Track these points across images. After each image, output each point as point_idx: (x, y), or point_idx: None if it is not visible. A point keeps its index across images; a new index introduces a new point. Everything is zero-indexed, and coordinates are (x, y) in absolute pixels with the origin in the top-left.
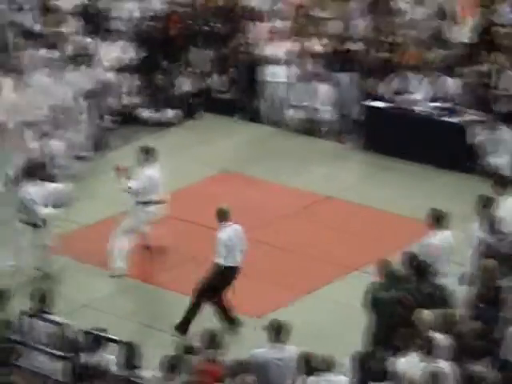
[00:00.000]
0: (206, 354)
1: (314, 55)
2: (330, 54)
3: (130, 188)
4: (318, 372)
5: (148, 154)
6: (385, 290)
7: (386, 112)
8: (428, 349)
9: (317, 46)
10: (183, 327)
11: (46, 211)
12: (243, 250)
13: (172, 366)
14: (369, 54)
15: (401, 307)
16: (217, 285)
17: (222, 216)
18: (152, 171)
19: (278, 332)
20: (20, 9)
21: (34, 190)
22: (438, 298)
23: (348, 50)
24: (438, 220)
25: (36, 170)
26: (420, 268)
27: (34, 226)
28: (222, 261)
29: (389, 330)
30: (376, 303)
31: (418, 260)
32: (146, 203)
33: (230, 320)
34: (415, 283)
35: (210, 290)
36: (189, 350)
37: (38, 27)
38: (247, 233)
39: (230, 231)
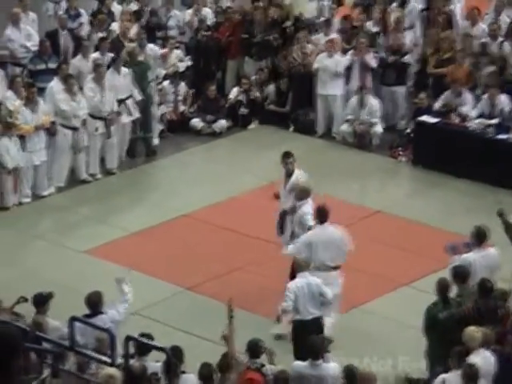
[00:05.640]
0: (250, 362)
1: (368, 68)
2: (383, 67)
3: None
4: None
5: None
6: (442, 309)
7: (438, 128)
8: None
9: (370, 58)
10: None
11: None
12: None
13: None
14: (423, 67)
15: (464, 319)
16: None
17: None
18: None
19: (314, 351)
20: (77, 15)
21: None
22: (501, 316)
23: (401, 63)
24: (479, 237)
25: None
26: (484, 284)
27: None
28: None
29: (449, 349)
30: (435, 323)
31: (483, 278)
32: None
33: None
34: (479, 299)
35: None
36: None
37: (92, 34)
38: None
39: None
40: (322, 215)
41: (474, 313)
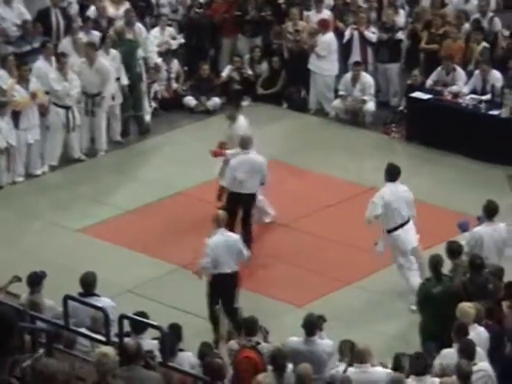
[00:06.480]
0: (246, 341)
1: (368, 43)
2: (377, 43)
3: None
4: (356, 363)
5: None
6: (436, 284)
7: (430, 104)
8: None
9: (370, 33)
10: None
11: None
12: None
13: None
14: (415, 44)
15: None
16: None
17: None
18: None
19: (310, 327)
20: None
21: None
22: (490, 291)
23: (394, 40)
24: (490, 211)
25: None
26: (473, 261)
27: None
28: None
29: (443, 324)
30: (428, 299)
31: (474, 254)
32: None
33: None
34: (469, 275)
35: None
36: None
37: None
38: (292, 223)
39: None
40: (392, 174)
41: (461, 288)
